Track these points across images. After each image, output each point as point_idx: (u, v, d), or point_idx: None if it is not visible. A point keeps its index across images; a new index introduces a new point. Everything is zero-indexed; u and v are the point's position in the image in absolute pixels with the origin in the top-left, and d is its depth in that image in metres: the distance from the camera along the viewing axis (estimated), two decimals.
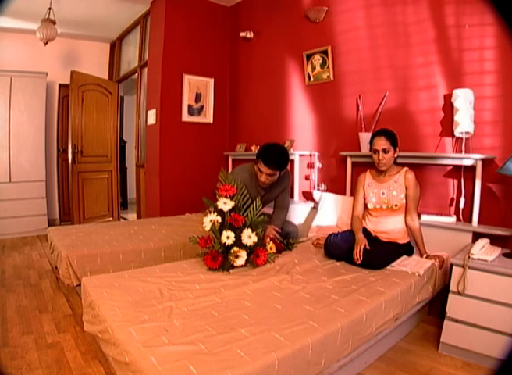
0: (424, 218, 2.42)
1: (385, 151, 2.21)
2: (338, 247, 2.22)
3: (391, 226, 2.28)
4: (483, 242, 1.97)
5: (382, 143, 2.21)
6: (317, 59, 3.28)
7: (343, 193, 3.05)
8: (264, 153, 2.40)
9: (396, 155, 2.28)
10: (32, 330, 2.09)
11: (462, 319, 1.84)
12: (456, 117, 2.27)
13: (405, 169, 2.29)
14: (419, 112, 2.63)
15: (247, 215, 2.19)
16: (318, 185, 3.32)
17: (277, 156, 2.40)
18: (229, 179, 2.27)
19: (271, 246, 2.23)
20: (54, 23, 3.85)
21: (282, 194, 2.71)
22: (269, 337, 1.28)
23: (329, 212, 2.93)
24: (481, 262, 1.81)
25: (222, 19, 4.26)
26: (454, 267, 1.88)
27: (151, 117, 4.04)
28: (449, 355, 1.90)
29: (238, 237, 2.09)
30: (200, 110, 4.16)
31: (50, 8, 3.76)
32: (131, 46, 4.97)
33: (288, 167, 2.61)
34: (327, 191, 3.18)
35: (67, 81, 4.65)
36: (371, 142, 2.30)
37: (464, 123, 2.24)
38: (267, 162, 2.36)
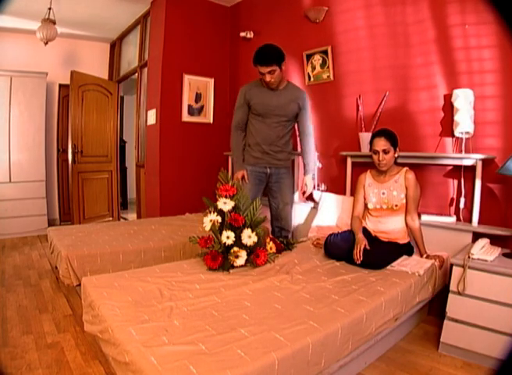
0: (425, 218, 2.42)
1: (385, 151, 2.21)
2: (338, 247, 2.22)
3: (391, 226, 2.28)
4: (483, 242, 1.97)
5: (382, 144, 2.21)
6: (317, 59, 3.28)
7: (343, 193, 3.05)
8: (255, 55, 2.47)
9: (396, 156, 2.28)
10: (32, 330, 2.09)
11: (462, 319, 1.84)
12: (456, 117, 2.27)
13: (405, 169, 2.29)
14: (419, 112, 2.63)
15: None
16: (318, 185, 3.32)
17: (264, 50, 2.46)
18: (238, 98, 2.62)
19: (271, 246, 2.23)
20: (54, 23, 3.85)
21: (303, 113, 2.67)
22: (269, 337, 1.28)
23: (329, 212, 2.93)
24: (481, 262, 1.81)
25: (222, 19, 4.26)
26: (454, 267, 1.88)
27: (151, 117, 4.04)
28: (449, 355, 1.90)
29: (238, 237, 2.09)
30: (200, 110, 4.16)
31: (50, 8, 3.76)
32: (131, 46, 4.97)
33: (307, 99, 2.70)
34: (327, 191, 3.18)
35: (67, 81, 4.65)
36: (371, 143, 2.30)
37: (464, 123, 2.24)
38: (259, 61, 2.43)
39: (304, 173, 2.79)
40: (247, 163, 2.72)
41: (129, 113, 6.37)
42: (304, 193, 2.79)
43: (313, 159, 2.78)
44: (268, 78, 2.47)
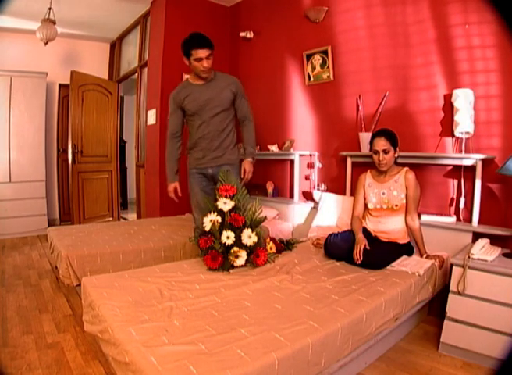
0: (425, 218, 2.42)
1: (385, 151, 2.21)
2: (338, 247, 2.22)
3: (391, 226, 2.28)
4: (483, 242, 1.97)
5: (382, 144, 2.21)
6: (317, 59, 3.28)
7: (343, 193, 3.05)
8: (190, 41, 2.31)
9: (396, 155, 2.28)
10: (32, 330, 2.09)
11: (462, 319, 1.84)
12: (456, 117, 2.27)
13: (405, 169, 2.29)
14: (419, 112, 2.63)
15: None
16: (318, 185, 3.32)
17: (200, 34, 2.33)
18: (169, 105, 2.56)
19: (271, 246, 2.24)
20: (54, 23, 3.85)
21: (240, 100, 2.51)
22: (269, 337, 1.28)
23: (329, 212, 2.93)
24: (481, 262, 1.81)
25: (222, 19, 4.27)
26: (454, 267, 1.88)
27: (151, 117, 4.04)
28: (449, 355, 1.90)
29: (238, 237, 2.09)
30: None
31: (50, 8, 3.77)
32: (131, 46, 4.97)
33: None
34: (327, 191, 3.18)
35: (67, 81, 4.65)
36: (371, 143, 2.30)
37: (464, 123, 2.24)
38: (200, 44, 2.28)
39: (244, 152, 2.56)
40: (191, 166, 2.57)
41: (129, 113, 6.37)
42: (245, 179, 2.50)
43: (252, 144, 2.57)
44: (205, 64, 2.31)
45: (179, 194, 2.60)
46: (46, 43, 3.90)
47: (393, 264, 2.11)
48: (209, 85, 2.44)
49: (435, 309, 2.31)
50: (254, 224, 2.17)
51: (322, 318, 1.44)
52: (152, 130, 4.04)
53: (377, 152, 2.24)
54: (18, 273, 3.11)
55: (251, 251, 2.11)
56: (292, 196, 3.53)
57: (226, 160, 2.51)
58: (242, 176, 2.50)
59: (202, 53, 2.29)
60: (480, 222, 2.28)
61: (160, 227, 3.19)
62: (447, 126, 2.45)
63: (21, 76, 4.38)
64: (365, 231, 2.30)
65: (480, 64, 2.30)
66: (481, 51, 2.29)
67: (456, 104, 2.28)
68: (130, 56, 4.98)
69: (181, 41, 2.34)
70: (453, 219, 2.38)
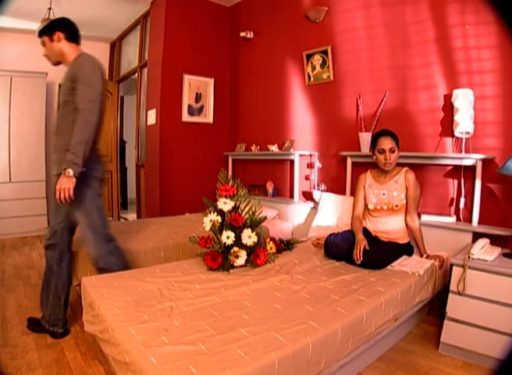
0: (424, 218, 2.42)
1: (391, 150, 2.20)
2: (338, 247, 2.22)
3: (391, 226, 2.28)
4: (483, 242, 1.97)
5: (388, 142, 2.20)
6: (317, 59, 3.28)
7: (343, 193, 3.05)
8: None
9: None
10: None
11: (462, 319, 1.84)
12: (456, 117, 2.27)
13: (405, 169, 2.29)
14: (419, 112, 2.63)
15: None
16: (318, 185, 3.32)
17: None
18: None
19: (271, 246, 2.24)
20: None
21: (78, 87, 2.01)
22: (269, 337, 1.28)
23: (329, 212, 2.93)
24: (481, 262, 1.81)
25: (222, 19, 4.27)
26: (454, 267, 1.88)
27: (151, 117, 4.04)
28: (449, 355, 1.90)
29: (238, 237, 2.09)
30: (200, 110, 4.16)
31: (50, 8, 3.77)
32: (131, 46, 4.97)
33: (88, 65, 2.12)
34: (327, 191, 3.18)
35: None
36: (375, 142, 2.28)
37: (464, 123, 2.24)
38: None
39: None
40: None
41: (129, 113, 6.36)
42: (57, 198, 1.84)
43: (73, 149, 1.85)
44: (43, 51, 2.06)
45: None
46: None
47: (393, 264, 2.11)
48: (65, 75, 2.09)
49: (435, 309, 2.31)
50: (254, 224, 2.17)
51: (322, 318, 1.44)
52: (152, 130, 4.04)
53: (383, 151, 2.22)
54: (18, 273, 3.11)
55: (251, 251, 2.11)
56: (292, 196, 3.53)
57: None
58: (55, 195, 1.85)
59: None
60: (480, 222, 2.28)
61: (160, 227, 3.18)
62: (447, 126, 2.45)
63: (21, 76, 4.38)
64: (365, 231, 2.30)
65: (480, 64, 2.30)
66: (481, 52, 2.29)
67: (456, 104, 2.28)
68: (130, 56, 4.98)
69: None
70: (453, 219, 2.38)
